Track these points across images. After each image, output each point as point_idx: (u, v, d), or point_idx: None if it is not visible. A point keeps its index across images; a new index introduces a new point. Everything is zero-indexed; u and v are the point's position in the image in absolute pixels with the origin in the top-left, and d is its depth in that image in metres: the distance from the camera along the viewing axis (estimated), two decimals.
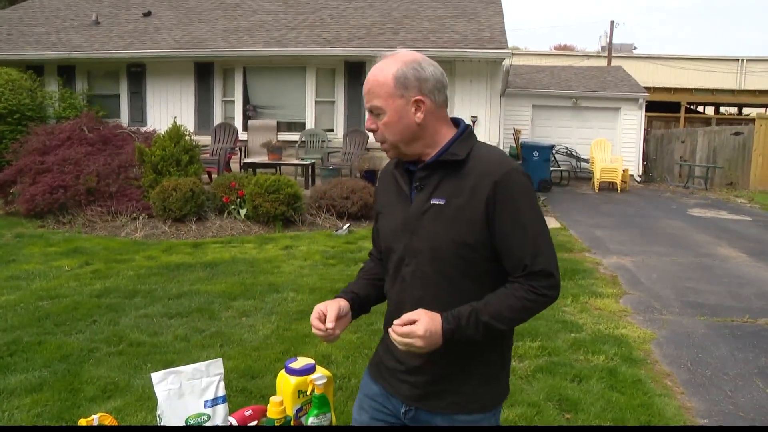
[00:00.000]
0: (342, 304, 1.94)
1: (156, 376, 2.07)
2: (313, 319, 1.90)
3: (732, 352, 4.89)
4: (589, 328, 5.30)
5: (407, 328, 1.70)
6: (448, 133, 1.84)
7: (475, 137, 1.89)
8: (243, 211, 9.29)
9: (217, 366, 2.17)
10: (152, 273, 6.58)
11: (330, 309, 1.89)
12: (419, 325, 1.69)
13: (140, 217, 9.14)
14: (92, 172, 9.50)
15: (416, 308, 1.75)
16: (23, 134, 11.02)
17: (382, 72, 1.78)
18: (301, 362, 2.52)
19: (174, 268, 6.80)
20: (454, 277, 1.80)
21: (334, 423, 2.55)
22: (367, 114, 1.85)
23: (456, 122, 1.89)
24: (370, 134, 1.92)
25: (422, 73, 1.78)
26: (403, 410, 1.96)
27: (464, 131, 1.85)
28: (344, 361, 4.40)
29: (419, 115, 1.78)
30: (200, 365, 2.14)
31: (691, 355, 4.83)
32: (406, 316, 1.72)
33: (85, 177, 9.37)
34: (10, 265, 6.91)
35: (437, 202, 1.78)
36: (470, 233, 1.76)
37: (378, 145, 1.89)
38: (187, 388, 2.10)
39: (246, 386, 3.98)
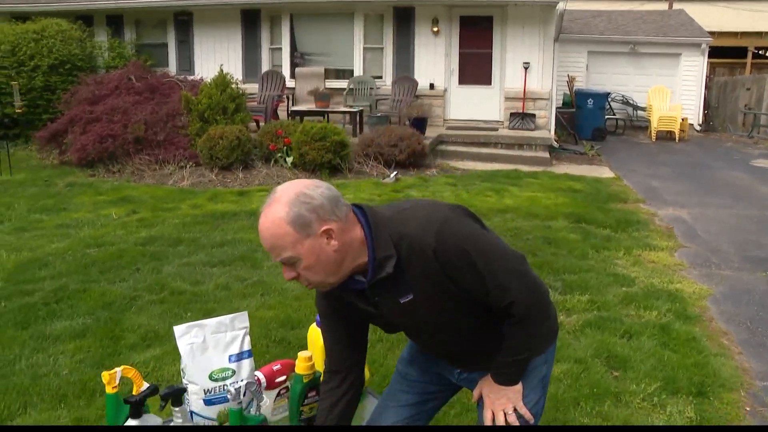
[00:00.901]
0: None
1: (179, 330, 2.00)
2: None
3: None
4: (641, 282, 5.08)
5: (500, 418, 1.83)
6: (361, 233, 1.68)
7: (380, 215, 1.72)
8: (289, 159, 9.23)
9: (242, 319, 2.09)
10: (197, 221, 6.59)
11: None
12: (495, 405, 1.84)
13: (187, 166, 9.17)
14: (140, 120, 9.54)
15: (444, 349, 1.94)
16: (74, 84, 11.13)
17: (274, 223, 1.59)
18: None
19: (219, 217, 6.79)
20: (462, 319, 1.81)
21: (367, 378, 2.46)
22: (282, 266, 1.67)
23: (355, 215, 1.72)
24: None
25: (313, 202, 1.59)
26: (457, 371, 2.02)
27: (369, 225, 1.69)
28: None
29: (333, 242, 1.63)
30: (225, 318, 2.06)
31: (751, 313, 4.58)
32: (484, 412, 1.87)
33: (132, 126, 9.43)
34: (61, 213, 7.01)
35: (407, 300, 1.73)
36: (453, 298, 1.73)
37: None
38: (211, 342, 2.03)
39: (285, 336, 3.94)
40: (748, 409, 3.35)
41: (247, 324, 2.09)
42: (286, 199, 1.58)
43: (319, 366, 2.37)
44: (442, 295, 1.70)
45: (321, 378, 2.18)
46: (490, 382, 1.84)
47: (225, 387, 2.01)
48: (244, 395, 1.93)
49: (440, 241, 1.62)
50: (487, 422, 1.84)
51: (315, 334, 2.39)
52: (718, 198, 8.40)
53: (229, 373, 2.03)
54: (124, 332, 3.94)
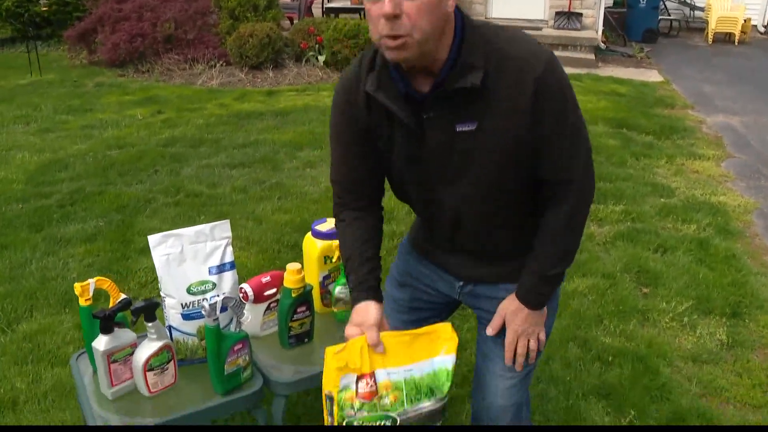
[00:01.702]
0: (378, 315, 1.53)
1: (153, 239, 1.84)
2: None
3: None
4: (682, 193, 4.77)
5: (520, 349, 1.62)
6: (450, 32, 1.37)
7: (477, 24, 1.40)
8: (321, 58, 8.90)
9: (223, 229, 1.92)
10: (221, 122, 6.41)
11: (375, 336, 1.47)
12: (521, 332, 1.61)
13: (217, 65, 8.92)
14: (169, 19, 9.23)
15: (459, 229, 1.59)
16: None
17: None
18: (330, 224, 2.24)
19: (244, 117, 6.60)
20: (496, 199, 1.52)
21: None
22: None
23: None
24: None
25: None
26: (459, 284, 1.72)
27: (464, 27, 1.38)
28: (406, 216, 4.12)
29: (450, 2, 1.33)
30: (204, 227, 1.89)
31: None
32: (507, 345, 1.63)
33: (162, 24, 9.14)
34: (87, 114, 6.90)
35: (466, 129, 1.40)
36: (518, 149, 1.41)
37: None
38: (189, 253, 1.87)
39: (298, 241, 3.75)
40: None
41: (229, 234, 1.92)
42: None
43: (314, 278, 2.21)
44: (507, 140, 1.39)
45: (311, 291, 2.04)
46: (516, 308, 1.58)
47: (204, 300, 1.87)
48: (221, 311, 1.79)
49: (548, 72, 1.37)
50: (510, 346, 1.61)
51: (309, 244, 2.22)
52: None
53: (209, 286, 1.88)
54: (135, 236, 3.85)
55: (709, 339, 3.00)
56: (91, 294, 1.82)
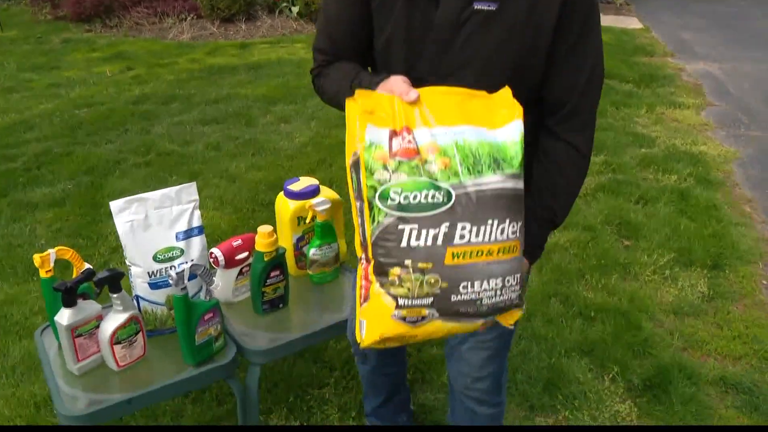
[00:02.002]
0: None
1: (115, 205, 1.74)
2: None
3: None
4: (662, 142, 4.72)
5: None
6: None
7: None
8: (295, 9, 8.65)
9: (190, 192, 1.82)
10: (193, 77, 6.22)
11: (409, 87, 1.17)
12: None
13: (188, 18, 8.64)
14: None
15: None
16: None
17: None
18: (303, 183, 2.15)
19: (216, 71, 6.41)
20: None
21: (343, 253, 2.24)
22: None
23: None
24: None
25: None
26: None
27: None
28: None
29: None
30: (170, 191, 1.80)
31: None
32: None
33: None
34: (53, 72, 6.66)
35: (484, 8, 1.21)
36: (534, 48, 1.25)
37: None
38: (154, 219, 1.77)
39: (273, 199, 3.68)
40: (765, 282, 3.11)
41: (196, 197, 1.83)
42: None
43: (288, 241, 2.13)
44: (525, 35, 1.23)
45: (284, 255, 1.96)
46: None
47: (172, 268, 1.78)
48: (189, 279, 1.71)
49: None
50: None
51: (282, 205, 2.13)
52: (757, 52, 7.70)
53: (177, 252, 1.79)
54: (105, 199, 3.71)
55: (691, 291, 2.98)
56: (51, 265, 1.73)
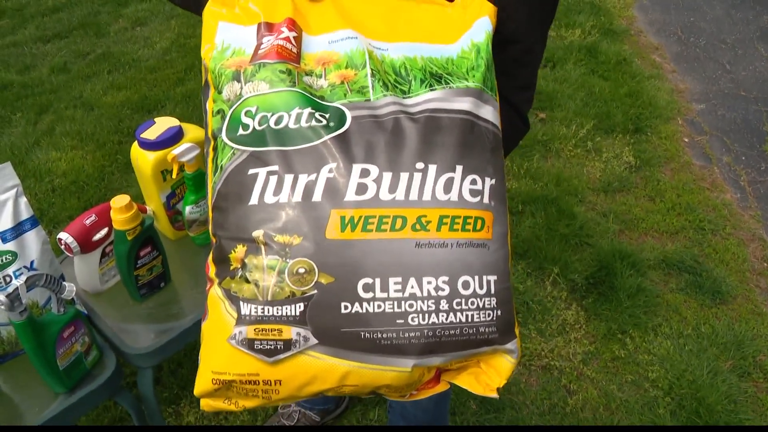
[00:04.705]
0: None
1: None
2: None
3: (728, 12, 4.08)
4: None
5: None
6: None
7: None
8: None
9: (6, 175, 1.35)
10: None
11: None
12: None
13: None
14: None
15: None
16: None
17: None
18: (159, 126, 1.66)
19: None
20: None
21: None
22: None
23: None
24: None
25: None
26: None
27: None
28: None
29: None
30: None
31: (682, 20, 4.02)
32: None
33: None
34: None
35: None
36: None
37: None
38: None
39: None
40: (686, 140, 2.95)
41: (16, 180, 1.36)
42: None
43: (155, 202, 1.69)
44: None
45: (153, 223, 1.54)
46: None
47: (7, 278, 1.35)
48: (29, 291, 1.29)
49: None
50: None
51: (140, 159, 1.65)
52: None
53: (8, 258, 1.35)
54: None
55: (617, 163, 2.77)
56: None
